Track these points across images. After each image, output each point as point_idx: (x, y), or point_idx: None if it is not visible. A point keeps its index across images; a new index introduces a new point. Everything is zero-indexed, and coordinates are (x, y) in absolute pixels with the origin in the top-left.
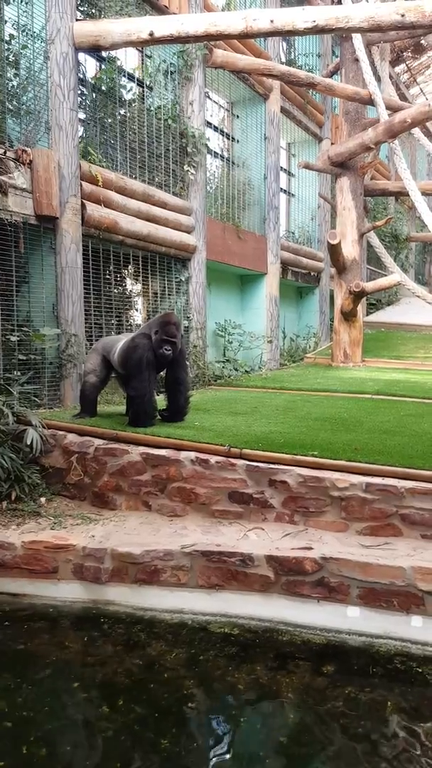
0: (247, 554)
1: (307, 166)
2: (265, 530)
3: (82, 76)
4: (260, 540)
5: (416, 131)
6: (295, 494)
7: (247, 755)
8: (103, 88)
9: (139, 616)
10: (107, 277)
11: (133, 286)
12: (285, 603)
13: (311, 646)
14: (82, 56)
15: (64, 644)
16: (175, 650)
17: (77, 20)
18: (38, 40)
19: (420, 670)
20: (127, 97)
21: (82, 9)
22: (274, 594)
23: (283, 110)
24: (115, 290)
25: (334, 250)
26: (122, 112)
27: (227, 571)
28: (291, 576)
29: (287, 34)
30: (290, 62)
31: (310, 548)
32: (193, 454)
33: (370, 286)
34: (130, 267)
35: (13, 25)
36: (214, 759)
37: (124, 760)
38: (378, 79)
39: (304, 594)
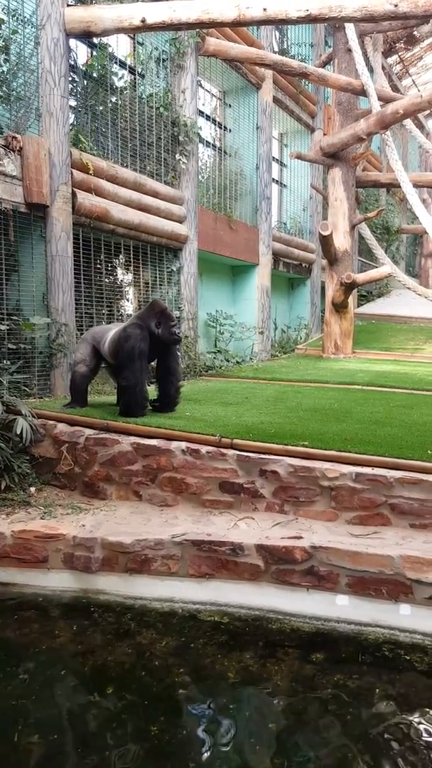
0: (237, 543)
1: (299, 157)
2: (256, 520)
3: (73, 63)
4: (250, 529)
5: (408, 123)
6: (285, 484)
7: (236, 742)
8: (95, 75)
9: (130, 605)
10: (98, 266)
11: (124, 276)
12: (274, 592)
13: (300, 634)
14: (73, 42)
15: (53, 633)
16: (165, 639)
17: (68, 5)
18: (29, 25)
19: (408, 658)
20: (119, 84)
21: None
22: (263, 583)
23: (275, 100)
24: (106, 280)
25: (326, 242)
26: (113, 99)
27: (217, 560)
28: (281, 565)
29: (280, 23)
30: (283, 52)
31: (299, 537)
32: (184, 444)
33: (361, 277)
34: (121, 256)
35: (3, 10)
36: (203, 746)
37: (114, 748)
38: (371, 69)
39: (293, 583)
